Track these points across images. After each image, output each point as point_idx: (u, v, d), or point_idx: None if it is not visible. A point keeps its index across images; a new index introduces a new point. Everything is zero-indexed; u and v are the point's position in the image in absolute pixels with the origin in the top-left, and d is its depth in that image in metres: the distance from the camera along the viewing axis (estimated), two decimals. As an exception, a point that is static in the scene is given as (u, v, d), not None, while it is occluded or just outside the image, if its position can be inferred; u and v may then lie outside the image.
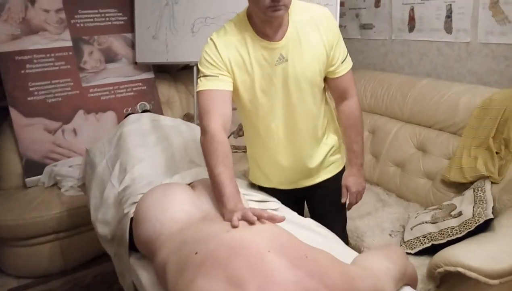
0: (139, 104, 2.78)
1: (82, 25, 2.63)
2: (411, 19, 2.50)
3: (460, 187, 1.80)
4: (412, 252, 1.59)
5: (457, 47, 2.29)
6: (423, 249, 1.57)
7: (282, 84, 1.24)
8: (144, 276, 1.08)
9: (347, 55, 1.29)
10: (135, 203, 1.18)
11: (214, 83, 1.18)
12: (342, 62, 1.27)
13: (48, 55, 2.51)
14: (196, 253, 0.82)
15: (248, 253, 0.77)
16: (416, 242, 1.60)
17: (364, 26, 2.88)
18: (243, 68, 1.22)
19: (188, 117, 2.85)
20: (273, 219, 0.93)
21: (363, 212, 1.95)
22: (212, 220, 1.02)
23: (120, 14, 2.75)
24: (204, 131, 1.16)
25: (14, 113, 2.38)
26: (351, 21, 2.97)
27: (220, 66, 1.19)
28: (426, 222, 1.64)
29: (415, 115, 2.17)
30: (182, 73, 3.08)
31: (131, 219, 1.16)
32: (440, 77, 2.39)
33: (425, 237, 1.59)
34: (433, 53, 2.43)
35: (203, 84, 1.19)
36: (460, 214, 1.55)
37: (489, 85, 2.09)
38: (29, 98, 2.43)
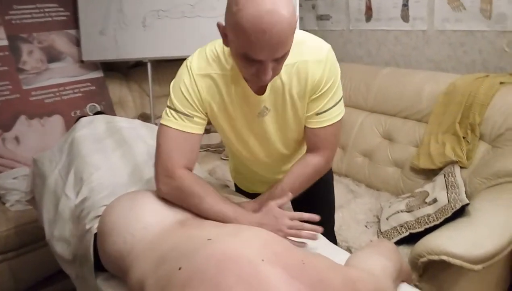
0: (88, 106, 2.57)
1: (18, 21, 2.38)
2: (368, 8, 2.50)
3: (429, 173, 1.81)
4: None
5: (414, 35, 2.31)
6: (401, 239, 1.56)
7: (265, 129, 1.11)
8: (115, 299, 0.95)
9: (327, 110, 1.04)
10: (98, 216, 1.04)
11: (185, 124, 1.02)
12: (317, 115, 1.05)
13: (-20, 55, 2.24)
14: (179, 269, 0.71)
15: (239, 267, 0.67)
16: (393, 232, 1.58)
17: (321, 17, 2.85)
18: (224, 111, 1.07)
19: (143, 118, 2.68)
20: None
21: (336, 205, 1.91)
22: (191, 226, 0.92)
23: (62, 9, 2.52)
24: (166, 176, 1.01)
25: None
26: (307, 12, 2.93)
27: (198, 107, 1.03)
28: (401, 211, 1.62)
29: (380, 105, 2.17)
30: (134, 71, 2.89)
31: (95, 234, 1.02)
32: (398, 65, 2.41)
33: (402, 226, 1.57)
34: (391, 42, 2.45)
35: (172, 121, 1.02)
36: (435, 200, 1.54)
37: (446, 72, 2.12)
38: (-40, 105, 2.16)
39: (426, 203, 1.58)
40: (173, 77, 1.07)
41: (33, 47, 2.42)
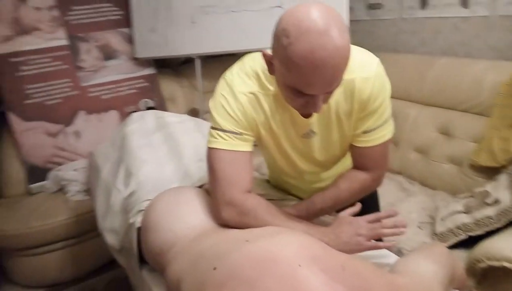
0: (141, 101, 2.66)
1: (77, 22, 2.50)
2: (424, -5, 2.36)
3: (490, 172, 1.68)
4: (446, 245, 1.47)
5: (474, 22, 2.15)
6: (457, 242, 1.46)
7: (310, 148, 1.06)
8: (158, 291, 0.98)
9: (375, 129, 0.97)
10: (141, 211, 1.07)
11: (237, 143, 0.96)
12: (364, 133, 0.99)
13: (43, 55, 2.38)
14: (214, 269, 0.70)
15: (278, 269, 0.65)
16: (449, 234, 1.48)
17: (372, 6, 2.73)
18: (268, 129, 1.01)
19: (193, 113, 2.73)
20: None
21: (384, 203, 1.81)
22: (229, 228, 0.91)
23: (116, 8, 2.62)
24: (228, 204, 0.94)
25: (12, 118, 2.27)
26: (357, 1, 2.82)
27: (244, 124, 0.97)
28: (458, 212, 1.52)
29: (435, 97, 2.04)
30: (184, 67, 2.95)
31: (139, 228, 1.05)
32: (456, 55, 2.25)
33: (459, 228, 1.47)
34: (449, 30, 2.29)
35: (221, 142, 0.96)
36: (496, 201, 1.42)
37: (510, 60, 1.95)
38: (26, 102, 2.31)
39: (486, 203, 1.46)
40: (222, 72, 1.03)
41: (90, 46, 2.54)
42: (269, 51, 0.86)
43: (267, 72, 0.93)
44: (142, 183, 1.27)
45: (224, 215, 0.94)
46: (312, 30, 0.74)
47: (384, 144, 1.00)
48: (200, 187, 1.18)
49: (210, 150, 0.98)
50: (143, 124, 1.63)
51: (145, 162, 1.38)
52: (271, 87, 0.95)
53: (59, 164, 2.34)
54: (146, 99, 2.69)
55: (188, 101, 2.83)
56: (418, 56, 2.28)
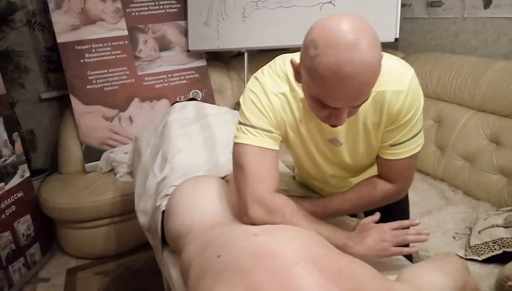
0: (191, 92, 2.77)
1: (137, 14, 2.67)
2: (488, -7, 2.21)
3: (541, 186, 1.56)
4: (479, 258, 1.40)
5: (543, 24, 1.98)
6: (492, 256, 1.38)
7: (335, 154, 1.05)
8: (175, 274, 1.04)
9: (404, 142, 0.95)
10: (167, 195, 1.14)
11: (266, 141, 0.95)
12: (392, 146, 0.96)
13: (105, 44, 2.57)
14: (218, 256, 0.74)
15: (273, 265, 0.68)
16: (484, 248, 1.41)
17: (431, 4, 2.60)
18: (296, 131, 1.00)
19: (239, 106, 2.80)
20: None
21: (423, 210, 1.77)
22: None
23: (174, 1, 2.74)
24: (256, 201, 0.92)
25: (74, 101, 2.48)
26: (417, -1, 2.70)
27: (274, 123, 0.96)
28: (497, 226, 1.43)
29: (489, 103, 1.92)
30: (234, 60, 3.02)
31: (163, 212, 1.12)
32: (521, 59, 2.09)
33: (495, 242, 1.39)
34: (514, 32, 2.13)
35: (251, 138, 0.94)
36: (540, 218, 1.32)
37: None
38: (88, 87, 2.52)
39: (529, 219, 1.37)
40: None
41: (148, 37, 2.69)
42: (297, 59, 0.85)
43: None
44: (174, 169, 1.34)
45: (252, 213, 0.92)
46: (341, 43, 0.71)
47: (412, 158, 0.97)
48: (224, 178, 1.23)
49: (238, 145, 0.96)
50: (184, 114, 1.71)
51: (181, 149, 1.46)
52: (300, 92, 0.93)
53: (113, 146, 2.53)
54: (196, 90, 2.79)
55: (235, 94, 2.90)
56: (475, 59, 2.14)
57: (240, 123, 0.98)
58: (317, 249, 0.73)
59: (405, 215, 1.31)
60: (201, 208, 1.00)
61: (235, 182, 0.96)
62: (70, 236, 2.29)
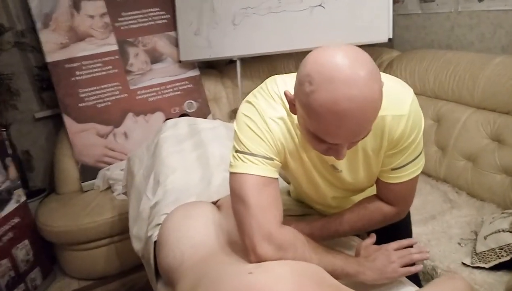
0: (186, 102, 2.74)
1: (126, 27, 2.63)
2: (481, -15, 2.15)
3: (547, 186, 1.51)
4: (486, 266, 1.35)
5: (540, 15, 1.93)
6: (499, 263, 1.33)
7: (336, 179, 1.00)
8: (170, 306, 1.00)
9: (405, 166, 0.91)
10: (159, 224, 1.10)
11: (267, 169, 0.87)
12: (392, 170, 0.92)
13: (95, 60, 2.54)
14: None
15: None
16: (491, 255, 1.36)
17: (425, -1, 2.55)
18: (296, 156, 0.94)
19: (235, 113, 2.76)
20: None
21: (427, 215, 1.72)
22: (237, 251, 0.90)
23: (163, 12, 2.70)
24: (265, 238, 0.83)
25: (67, 120, 2.45)
26: (409, -6, 2.65)
27: (274, 149, 0.89)
28: (503, 230, 1.38)
29: (488, 100, 1.86)
30: (228, 67, 2.98)
31: (155, 242, 1.08)
32: (519, 52, 2.03)
33: (502, 248, 1.34)
34: (511, 25, 2.07)
35: (252, 167, 0.86)
36: (547, 222, 1.28)
37: None
38: (80, 105, 2.48)
39: (536, 223, 1.32)
40: (262, 73, 0.97)
41: (139, 50, 2.65)
42: (291, 91, 0.81)
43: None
44: (167, 192, 1.30)
45: (261, 251, 0.83)
46: (337, 78, 0.67)
47: (413, 180, 0.94)
48: (216, 202, 1.19)
49: (236, 175, 0.87)
50: (176, 131, 1.67)
51: (174, 170, 1.42)
52: (295, 117, 0.87)
53: (109, 163, 2.49)
54: (191, 101, 2.76)
55: (230, 101, 2.87)
56: (472, 54, 2.09)
57: (237, 151, 0.89)
58: (313, 288, 0.69)
59: (408, 228, 1.27)
60: (191, 239, 0.96)
61: (236, 216, 0.88)
62: (70, 258, 2.26)
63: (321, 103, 0.68)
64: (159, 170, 1.44)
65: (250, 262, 0.84)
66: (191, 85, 2.76)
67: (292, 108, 0.83)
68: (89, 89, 2.51)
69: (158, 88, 2.68)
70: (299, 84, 0.74)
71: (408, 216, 1.24)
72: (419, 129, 0.87)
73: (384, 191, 0.98)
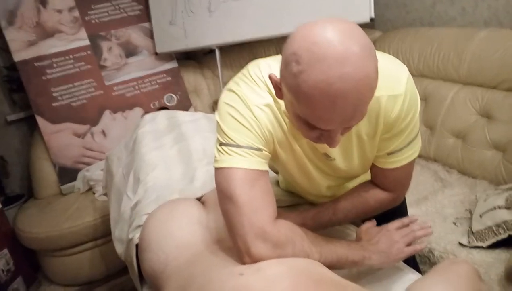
0: (165, 96, 2.64)
1: (97, 21, 2.50)
2: (462, -42, 2.10)
3: (539, 159, 1.48)
4: (484, 245, 1.32)
5: (523, -15, 1.89)
6: (498, 241, 1.30)
7: (329, 167, 0.94)
8: (156, 313, 0.93)
9: (401, 149, 0.85)
10: (139, 226, 1.03)
11: (257, 161, 0.80)
12: (388, 155, 0.87)
13: (66, 57, 2.41)
14: None
15: None
16: (488, 233, 1.32)
17: (404, -24, 2.50)
18: (286, 145, 0.87)
19: (217, 104, 2.67)
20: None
21: (419, 196, 1.68)
22: (225, 249, 0.83)
23: (135, 3, 2.58)
24: (259, 236, 0.75)
25: (40, 121, 2.33)
26: (388, -28, 2.59)
27: (262, 139, 0.81)
28: (498, 207, 1.35)
29: (475, 75, 1.83)
30: (207, 57, 2.88)
31: (137, 245, 1.01)
32: (502, 25, 2.00)
33: (499, 226, 1.31)
34: (492, -4, 2.03)
35: (239, 159, 0.78)
36: (543, 196, 1.24)
37: None
38: (53, 104, 2.36)
39: (532, 198, 1.28)
40: (242, 61, 0.89)
41: (112, 44, 2.53)
42: (276, 74, 0.73)
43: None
44: (148, 191, 1.23)
45: (255, 251, 0.75)
46: (329, 56, 0.59)
47: (409, 165, 0.88)
48: (200, 198, 1.11)
49: (222, 170, 0.79)
50: (155, 125, 1.59)
51: (154, 167, 1.34)
52: (282, 104, 0.80)
53: (88, 164, 2.39)
54: (171, 94, 2.66)
55: (212, 92, 2.78)
56: (455, 30, 2.05)
57: (221, 144, 0.81)
58: (310, 287, 0.63)
59: (404, 212, 1.22)
60: (175, 240, 0.89)
61: (224, 215, 0.80)
62: (54, 265, 2.16)
63: (311, 85, 0.61)
64: (139, 167, 1.36)
65: (244, 264, 0.76)
66: (169, 78, 2.66)
67: (278, 93, 0.75)
68: (62, 87, 2.39)
69: (135, 83, 2.57)
70: (285, 65, 0.66)
71: (403, 199, 1.19)
72: (415, 110, 0.81)
73: (380, 177, 0.92)
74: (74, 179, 2.34)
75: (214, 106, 2.72)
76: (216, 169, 0.81)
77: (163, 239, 0.90)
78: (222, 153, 0.80)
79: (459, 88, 1.89)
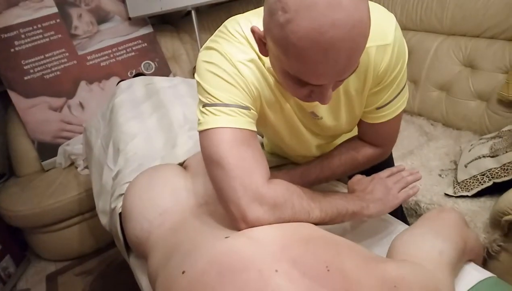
0: (142, 64, 2.54)
1: (64, -14, 2.36)
2: None
3: (523, 106, 1.48)
4: (469, 194, 1.33)
5: None
6: (482, 190, 1.31)
7: (319, 128, 0.91)
8: (144, 281, 0.92)
9: (390, 102, 0.82)
10: (121, 195, 0.99)
11: (245, 120, 0.73)
12: (377, 109, 0.83)
13: (34, 27, 2.28)
14: (183, 272, 0.61)
15: (246, 279, 0.55)
16: (473, 182, 1.33)
17: None
18: (275, 106, 0.82)
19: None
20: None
21: (405, 151, 1.68)
22: (211, 213, 0.80)
23: (103, -35, 2.44)
24: (255, 199, 0.69)
25: (13, 96, 2.23)
26: None
27: (248, 96, 0.75)
28: (483, 156, 1.35)
29: (458, 25, 1.79)
30: (184, 21, 2.77)
31: (120, 214, 0.98)
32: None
33: (483, 174, 1.31)
34: None
35: (225, 119, 0.71)
36: (527, 142, 1.24)
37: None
38: (25, 78, 2.26)
39: (515, 145, 1.29)
40: (221, 23, 0.82)
41: (82, 11, 2.40)
42: (259, 27, 0.67)
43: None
44: (129, 160, 1.18)
45: (252, 216, 0.68)
46: (319, 1, 0.54)
47: (398, 117, 0.85)
48: (183, 163, 1.08)
49: (207, 132, 0.72)
50: (131, 93, 1.53)
51: (134, 135, 1.29)
52: (267, 61, 0.73)
53: (67, 138, 2.32)
54: (148, 61, 2.56)
55: (191, 58, 2.69)
56: (438, -22, 1.99)
57: (204, 105, 0.73)
58: (300, 247, 0.61)
59: (391, 164, 1.21)
60: (159, 206, 0.86)
61: (214, 182, 0.73)
62: (42, 241, 2.14)
63: (300, 36, 0.55)
64: (118, 138, 1.31)
65: (239, 229, 0.70)
66: (145, 44, 2.55)
67: (263, 50, 0.69)
68: (33, 59, 2.28)
69: (109, 51, 2.46)
70: (269, 15, 0.60)
71: (390, 153, 1.18)
72: (404, 60, 0.77)
73: (368, 133, 0.90)
74: (54, 154, 2.28)
75: (194, 72, 2.64)
76: (201, 132, 0.74)
77: (145, 206, 0.87)
78: (205, 114, 0.73)
79: (442, 39, 1.86)
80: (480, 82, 1.67)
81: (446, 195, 1.37)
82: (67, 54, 2.35)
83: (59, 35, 2.34)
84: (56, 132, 2.31)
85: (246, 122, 0.73)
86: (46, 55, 2.30)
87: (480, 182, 1.31)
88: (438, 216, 0.78)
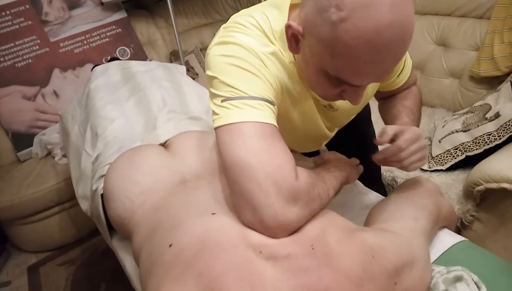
0: (118, 50, 2.50)
1: (31, -30, 2.28)
2: None
3: (493, 82, 1.53)
4: (443, 168, 1.38)
5: None
6: (455, 163, 1.35)
7: (336, 120, 0.93)
8: (128, 261, 0.92)
9: (404, 65, 0.86)
10: (102, 176, 0.99)
11: (271, 116, 0.66)
12: (397, 76, 0.87)
13: (3, 13, 2.20)
14: (170, 246, 0.62)
15: (233, 256, 0.56)
16: (446, 156, 1.38)
17: None
18: (297, 103, 0.79)
19: (176, 56, 2.56)
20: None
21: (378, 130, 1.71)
22: (195, 188, 0.81)
23: None
24: (289, 198, 0.60)
25: (-16, 86, 2.16)
26: None
27: (272, 90, 0.69)
28: (456, 131, 1.40)
29: (430, 4, 1.83)
30: (159, 5, 2.72)
31: (102, 195, 0.97)
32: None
33: (457, 149, 1.36)
34: None
35: (252, 113, 0.64)
36: (497, 115, 1.29)
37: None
38: (-5, 67, 2.19)
39: (486, 119, 1.33)
40: (198, 8, 0.77)
41: (52, -4, 2.33)
42: (295, 23, 0.64)
43: (275, 31, 0.71)
44: (109, 144, 1.17)
45: (291, 215, 0.60)
46: (380, 1, 0.52)
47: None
48: (164, 144, 1.08)
49: (231, 127, 0.64)
50: (108, 78, 1.50)
51: (112, 120, 1.27)
52: (286, 55, 0.71)
53: (43, 128, 2.27)
54: (123, 47, 2.52)
55: (167, 43, 2.65)
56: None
57: (224, 100, 0.65)
58: None
59: (367, 122, 1.25)
60: (140, 185, 0.86)
61: (235, 185, 0.62)
62: (22, 233, 2.10)
63: (355, 35, 0.54)
64: (96, 122, 1.29)
65: (270, 236, 0.60)
66: (119, 30, 2.50)
67: (294, 47, 0.66)
68: (3, 47, 2.20)
69: (82, 37, 2.40)
70: (318, 12, 0.57)
71: (368, 111, 1.20)
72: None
73: (397, 92, 0.94)
74: (30, 144, 2.23)
75: (171, 58, 2.61)
76: (221, 127, 0.65)
77: (127, 186, 0.87)
78: (227, 108, 0.65)
79: (416, 19, 1.88)
80: (452, 60, 1.71)
81: (422, 169, 1.42)
82: (38, 41, 2.29)
83: (29, 22, 2.27)
84: (31, 122, 2.26)
85: (271, 117, 0.66)
86: (17, 43, 2.24)
87: (453, 156, 1.36)
88: (413, 186, 0.81)
